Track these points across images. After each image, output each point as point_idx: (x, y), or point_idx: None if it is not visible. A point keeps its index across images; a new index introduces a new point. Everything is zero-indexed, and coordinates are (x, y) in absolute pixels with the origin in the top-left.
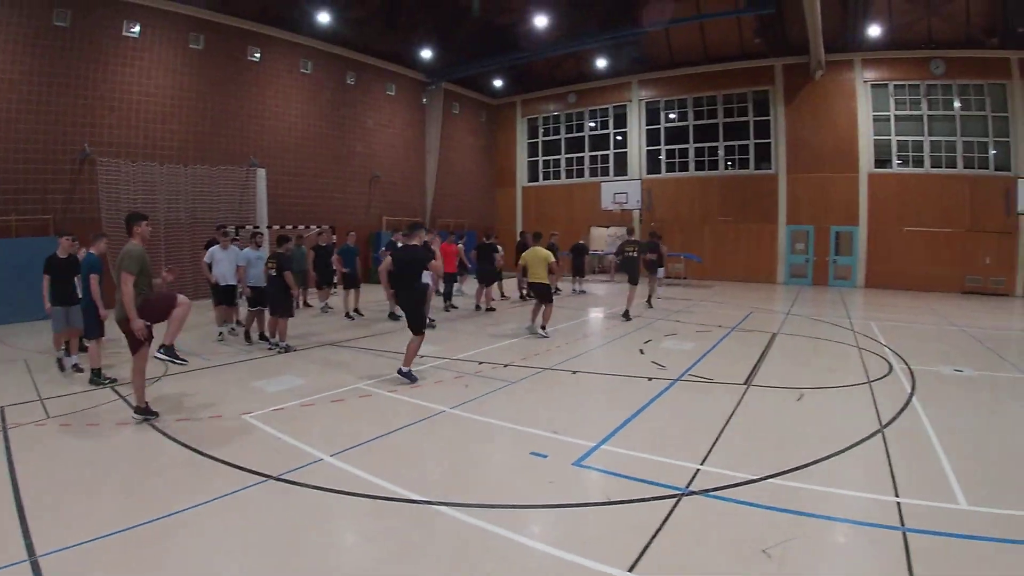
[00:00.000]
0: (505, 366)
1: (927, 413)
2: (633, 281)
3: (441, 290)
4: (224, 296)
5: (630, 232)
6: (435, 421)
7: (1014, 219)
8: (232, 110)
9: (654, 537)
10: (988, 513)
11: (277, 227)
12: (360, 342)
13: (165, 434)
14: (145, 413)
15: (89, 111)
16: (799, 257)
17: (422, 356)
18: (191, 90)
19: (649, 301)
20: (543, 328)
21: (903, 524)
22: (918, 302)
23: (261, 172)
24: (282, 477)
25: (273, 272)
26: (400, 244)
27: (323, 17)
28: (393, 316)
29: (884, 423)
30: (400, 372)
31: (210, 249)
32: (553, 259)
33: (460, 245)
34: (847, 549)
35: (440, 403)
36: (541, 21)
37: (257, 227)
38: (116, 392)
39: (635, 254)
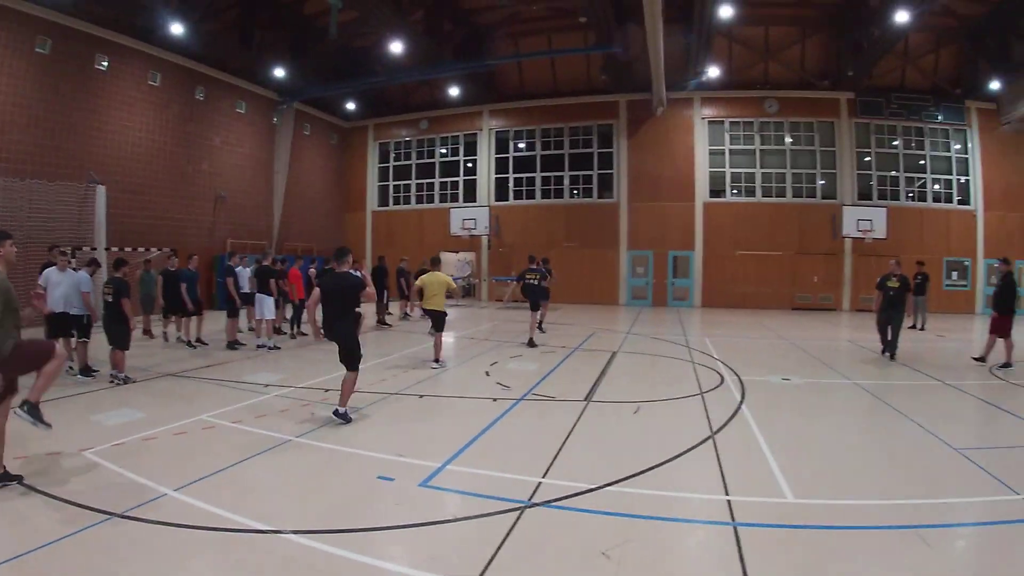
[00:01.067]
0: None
1: (755, 418)
2: (534, 307)
3: (288, 316)
4: (59, 327)
5: (532, 260)
6: (281, 450)
7: (839, 242)
8: (75, 121)
9: (499, 549)
10: (812, 504)
11: (116, 249)
12: (203, 372)
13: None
14: (4, 479)
15: None
16: (640, 280)
17: (267, 385)
18: (33, 98)
19: (540, 326)
20: (436, 360)
21: (734, 520)
22: (751, 319)
23: (101, 189)
24: (126, 514)
25: (109, 298)
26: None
27: (176, 28)
28: (232, 345)
29: (715, 430)
30: (336, 414)
31: (45, 272)
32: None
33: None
34: (683, 545)
35: (285, 432)
36: (397, 47)
37: (95, 249)
38: None
39: (536, 281)
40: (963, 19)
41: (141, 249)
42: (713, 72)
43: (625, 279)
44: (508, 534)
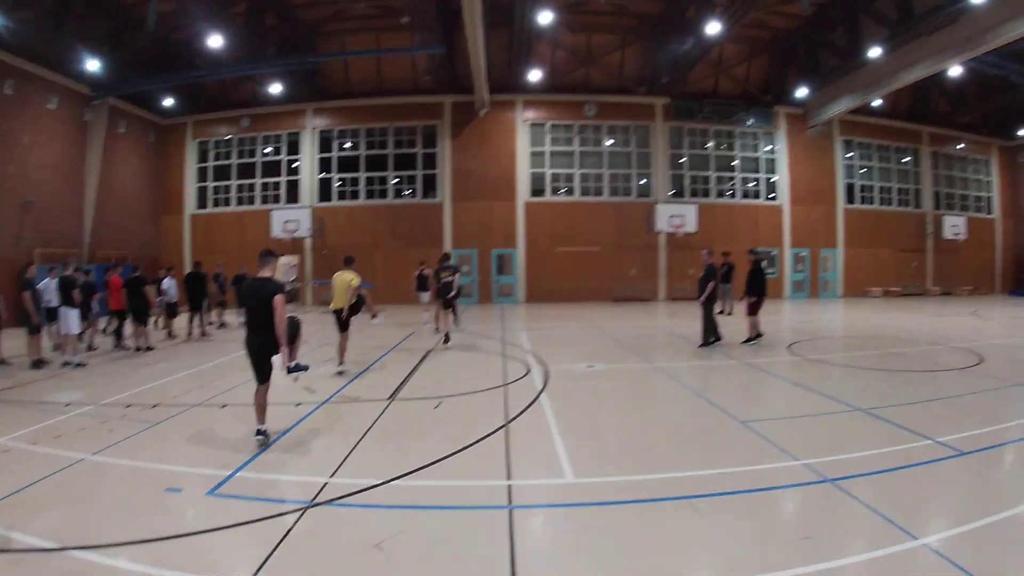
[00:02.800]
0: (154, 407)
1: (552, 405)
2: (447, 305)
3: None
4: None
5: (445, 258)
6: (74, 470)
7: (654, 236)
8: None
9: (275, 549)
10: (590, 483)
11: None
12: (2, 394)
13: None
14: None
15: None
16: (465, 279)
17: (67, 404)
18: None
19: (455, 320)
20: (340, 363)
21: (510, 503)
22: (571, 312)
23: None
24: None
25: None
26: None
27: None
28: (36, 364)
29: (510, 418)
30: (258, 433)
31: None
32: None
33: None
34: (454, 532)
35: (82, 451)
36: (217, 41)
37: None
38: None
39: (451, 279)
40: (775, 31)
41: None
42: (535, 76)
43: None
44: (286, 535)
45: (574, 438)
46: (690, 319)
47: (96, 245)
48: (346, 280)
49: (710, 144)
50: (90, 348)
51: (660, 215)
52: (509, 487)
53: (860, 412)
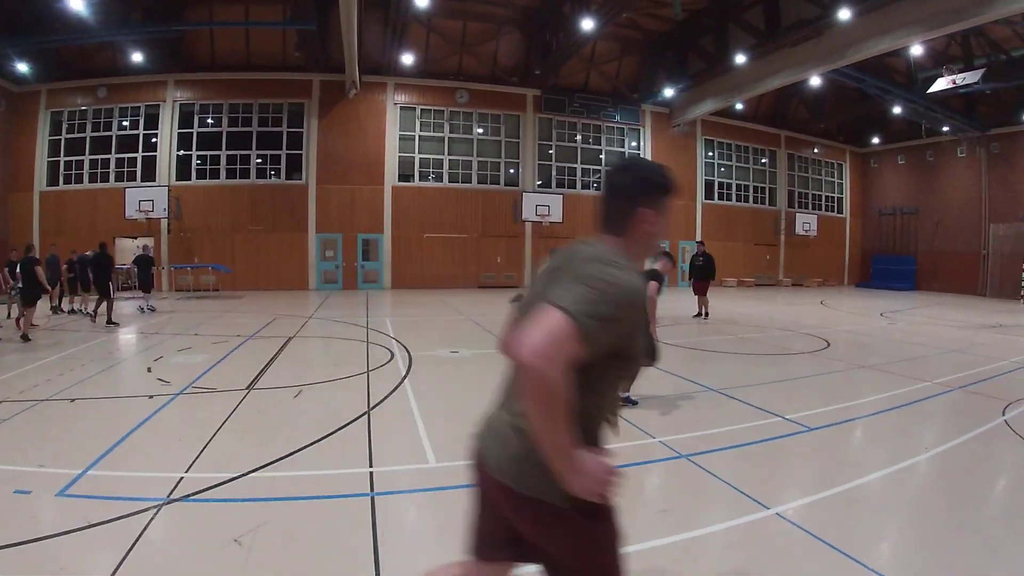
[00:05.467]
0: None
1: (415, 391)
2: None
3: None
4: None
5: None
6: None
7: (520, 225)
8: None
9: (129, 551)
10: (452, 467)
11: None
12: None
13: None
14: None
15: None
16: (329, 264)
17: None
18: None
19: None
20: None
21: (372, 490)
22: (436, 298)
23: None
24: None
25: None
26: None
27: None
28: None
29: (372, 405)
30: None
31: None
32: None
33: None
34: (316, 522)
35: None
36: (78, 2)
37: None
38: None
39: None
40: (647, 32)
41: None
42: (408, 60)
43: (314, 263)
44: (140, 535)
45: (437, 423)
46: None
47: None
48: None
49: (578, 137)
50: None
51: (527, 204)
52: (371, 474)
53: (714, 392)
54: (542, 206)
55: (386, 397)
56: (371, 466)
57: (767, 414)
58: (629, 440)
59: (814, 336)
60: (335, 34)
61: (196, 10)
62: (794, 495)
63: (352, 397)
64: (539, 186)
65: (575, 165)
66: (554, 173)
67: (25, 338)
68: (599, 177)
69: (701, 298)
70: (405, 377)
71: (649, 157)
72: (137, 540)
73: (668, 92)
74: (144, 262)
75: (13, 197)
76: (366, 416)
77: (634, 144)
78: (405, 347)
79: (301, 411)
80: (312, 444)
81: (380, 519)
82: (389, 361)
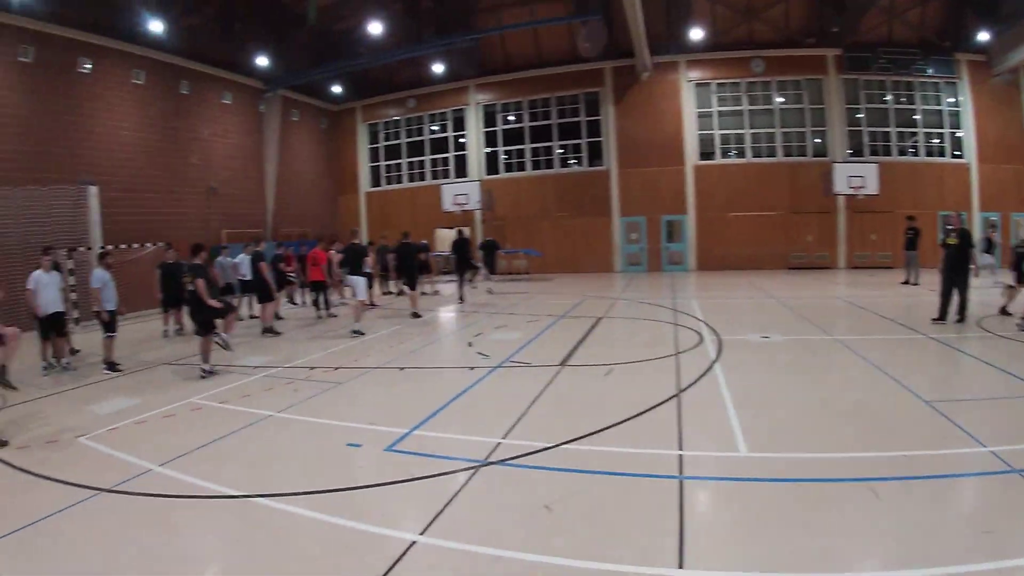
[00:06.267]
0: (336, 369)
1: (725, 376)
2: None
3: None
4: (50, 326)
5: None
6: (262, 426)
7: (831, 199)
8: (63, 125)
9: (447, 505)
10: (762, 457)
11: (111, 247)
12: (193, 359)
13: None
14: None
15: None
16: (633, 246)
17: (255, 367)
18: (20, 106)
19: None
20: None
21: (681, 473)
22: (744, 280)
23: (93, 190)
24: (114, 489)
25: (191, 286)
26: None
27: (156, 25)
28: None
29: (682, 388)
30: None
31: (32, 275)
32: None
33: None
34: (623, 497)
35: (269, 409)
36: (376, 28)
37: (90, 248)
38: None
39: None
40: None
41: (136, 245)
42: (697, 35)
43: (619, 246)
44: (459, 491)
45: (748, 411)
46: (871, 288)
47: (278, 224)
48: None
49: (888, 97)
50: (278, 317)
51: (838, 176)
52: (680, 457)
53: None
54: (855, 177)
55: (696, 381)
56: (680, 449)
57: None
58: (957, 447)
59: None
60: (620, 20)
61: (485, 18)
62: None
63: (661, 379)
64: (850, 155)
65: (887, 129)
66: (866, 140)
67: (415, 316)
68: (915, 141)
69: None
70: (715, 361)
71: (971, 114)
72: (455, 496)
73: (983, 36)
74: (490, 246)
75: (342, 199)
76: (676, 399)
77: (951, 100)
78: (714, 330)
79: (610, 390)
80: (623, 422)
81: (687, 504)
82: (698, 344)
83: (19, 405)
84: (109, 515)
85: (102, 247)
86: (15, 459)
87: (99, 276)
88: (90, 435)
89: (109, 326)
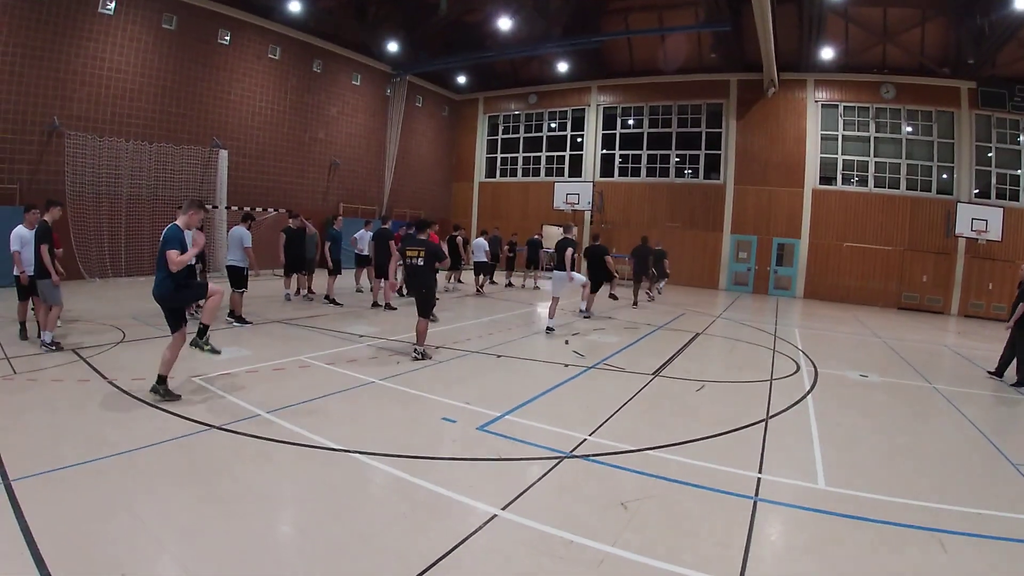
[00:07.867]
0: (437, 348)
1: (816, 409)
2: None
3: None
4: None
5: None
6: (363, 390)
7: (952, 241)
8: (199, 91)
9: (530, 487)
10: (839, 493)
11: (235, 208)
12: (309, 321)
13: (125, 391)
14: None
15: (60, 85)
16: (741, 265)
17: (362, 336)
18: (161, 69)
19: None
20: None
21: (757, 495)
22: (850, 314)
23: (224, 153)
24: (223, 427)
25: (420, 262)
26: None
27: (294, 5)
28: (333, 301)
29: (771, 414)
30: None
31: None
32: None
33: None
34: (697, 507)
35: (371, 376)
36: (506, 23)
37: (216, 207)
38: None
39: (417, 259)
40: None
41: (259, 209)
42: (827, 54)
43: (727, 263)
44: (542, 477)
45: (833, 446)
46: (982, 340)
47: (392, 204)
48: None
49: (1021, 138)
50: (400, 294)
51: (962, 216)
52: (758, 480)
53: None
54: (979, 220)
55: (786, 409)
56: (760, 472)
57: None
58: None
59: None
60: (750, 33)
61: (612, 20)
62: None
63: (752, 402)
64: (976, 195)
65: (1017, 172)
66: (994, 181)
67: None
68: None
69: None
70: (808, 393)
71: None
72: (537, 480)
73: None
74: (659, 254)
75: (457, 186)
76: (763, 423)
77: None
78: (812, 361)
79: (700, 405)
80: (707, 438)
81: (757, 524)
82: (794, 373)
83: (140, 343)
84: (218, 449)
85: (241, 208)
86: (135, 391)
87: (243, 234)
88: (204, 377)
89: (241, 282)
